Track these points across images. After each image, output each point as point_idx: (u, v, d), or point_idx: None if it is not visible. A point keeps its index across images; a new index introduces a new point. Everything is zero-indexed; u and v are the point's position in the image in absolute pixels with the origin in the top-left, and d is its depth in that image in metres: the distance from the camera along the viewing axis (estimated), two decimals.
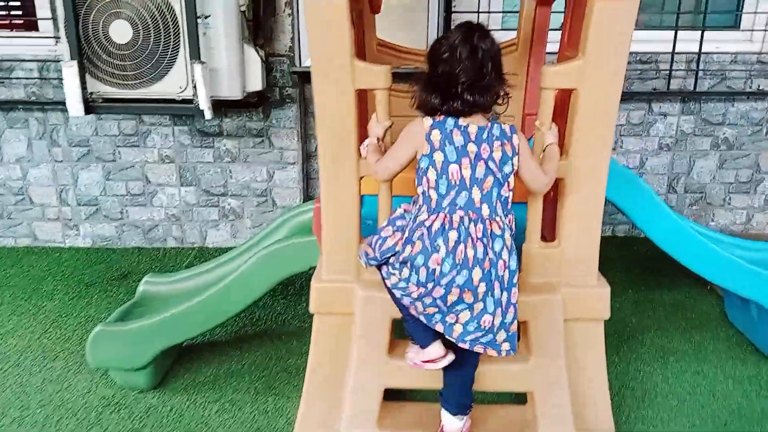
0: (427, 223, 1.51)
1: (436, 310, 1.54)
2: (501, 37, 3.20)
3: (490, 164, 1.52)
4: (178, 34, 2.65)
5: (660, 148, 3.51)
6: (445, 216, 1.51)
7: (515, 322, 1.57)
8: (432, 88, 1.55)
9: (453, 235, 1.49)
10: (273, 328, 2.68)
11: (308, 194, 3.58)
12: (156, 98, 2.77)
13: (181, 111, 2.81)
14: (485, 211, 1.52)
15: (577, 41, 1.91)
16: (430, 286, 1.50)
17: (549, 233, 1.86)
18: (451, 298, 1.50)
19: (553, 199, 1.85)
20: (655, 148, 3.52)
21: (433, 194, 1.53)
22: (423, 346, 1.67)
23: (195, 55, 2.61)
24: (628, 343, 2.52)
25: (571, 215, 1.73)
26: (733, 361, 2.42)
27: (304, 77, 3.32)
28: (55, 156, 3.43)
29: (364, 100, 1.89)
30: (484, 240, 1.50)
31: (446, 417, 1.75)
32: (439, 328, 1.56)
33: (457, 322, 1.54)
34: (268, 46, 3.20)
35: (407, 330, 1.71)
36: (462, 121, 1.53)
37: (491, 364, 1.73)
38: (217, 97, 2.81)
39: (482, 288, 1.50)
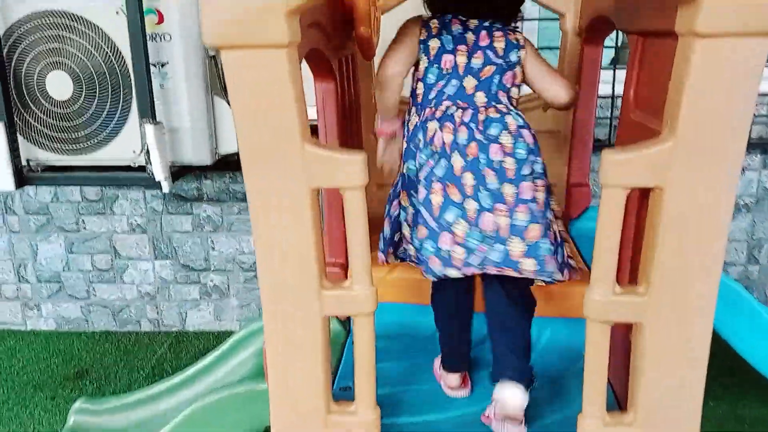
0: (412, 125, 1.34)
1: (427, 234, 1.26)
2: None
3: (489, 53, 1.32)
4: (129, 88, 2.12)
5: (737, 209, 2.83)
6: (430, 109, 1.31)
7: (538, 226, 1.23)
8: None
9: (432, 125, 1.29)
10: None
11: None
12: (106, 165, 2.24)
13: (134, 181, 2.27)
14: (480, 98, 1.30)
15: (649, 101, 1.30)
16: (420, 190, 1.28)
17: (618, 390, 1.22)
18: (435, 198, 1.24)
19: (624, 331, 1.22)
20: None
21: (420, 87, 1.35)
22: (445, 369, 1.47)
23: (146, 113, 2.07)
24: None
25: (654, 377, 1.10)
26: None
27: None
28: (11, 226, 2.92)
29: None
30: (471, 124, 1.26)
31: (502, 390, 1.27)
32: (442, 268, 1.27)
33: (455, 243, 1.24)
34: None
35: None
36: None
37: None
38: (180, 164, 2.26)
39: (468, 179, 1.24)
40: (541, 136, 2.01)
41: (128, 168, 2.25)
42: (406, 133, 1.38)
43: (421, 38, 1.34)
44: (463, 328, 1.45)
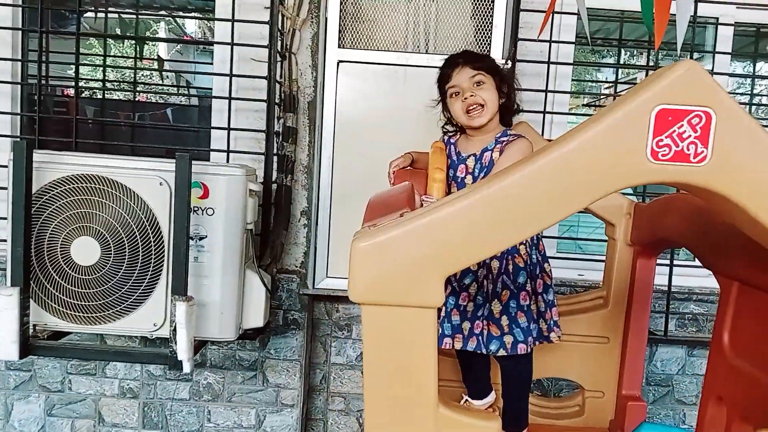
0: None
1: None
2: (566, 273, 2.65)
3: None
4: (161, 258, 2.02)
5: None
6: None
7: None
8: None
9: None
10: None
11: None
12: (121, 334, 2.07)
13: (151, 358, 2.09)
14: None
15: (759, 354, 1.27)
16: None
17: None
18: None
19: None
20: None
21: None
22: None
23: (180, 288, 1.95)
24: None
25: None
26: None
27: (316, 300, 2.68)
28: None
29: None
30: None
31: None
32: None
33: None
34: (276, 261, 2.58)
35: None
36: None
37: None
38: (202, 338, 2.12)
39: None
40: (588, 341, 1.99)
41: (145, 339, 2.09)
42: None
43: None
44: None
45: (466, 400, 1.94)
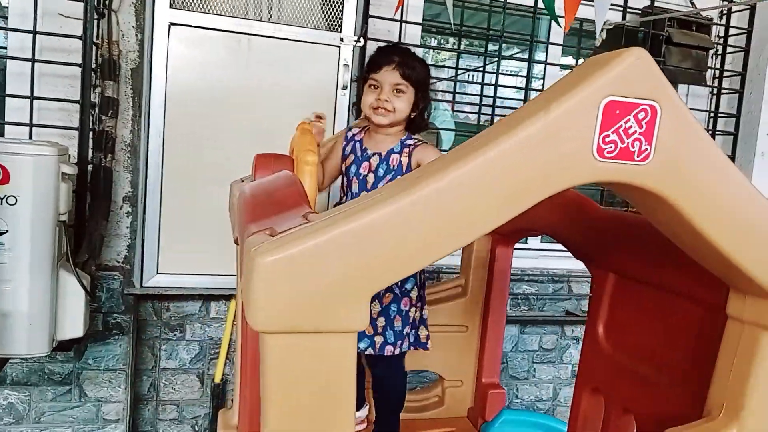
0: None
1: None
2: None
3: None
4: None
5: (574, 377, 3.02)
6: None
7: None
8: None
9: None
10: None
11: None
12: None
13: None
14: None
15: (634, 346, 1.29)
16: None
17: None
18: None
19: None
20: (569, 376, 3.03)
21: None
22: None
23: None
24: None
25: None
26: None
27: (142, 300, 2.35)
28: None
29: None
30: None
31: None
32: None
33: None
34: (95, 258, 2.20)
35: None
36: None
37: None
38: (6, 356, 1.73)
39: None
40: (448, 330, 1.96)
41: None
42: None
43: None
44: None
45: None
